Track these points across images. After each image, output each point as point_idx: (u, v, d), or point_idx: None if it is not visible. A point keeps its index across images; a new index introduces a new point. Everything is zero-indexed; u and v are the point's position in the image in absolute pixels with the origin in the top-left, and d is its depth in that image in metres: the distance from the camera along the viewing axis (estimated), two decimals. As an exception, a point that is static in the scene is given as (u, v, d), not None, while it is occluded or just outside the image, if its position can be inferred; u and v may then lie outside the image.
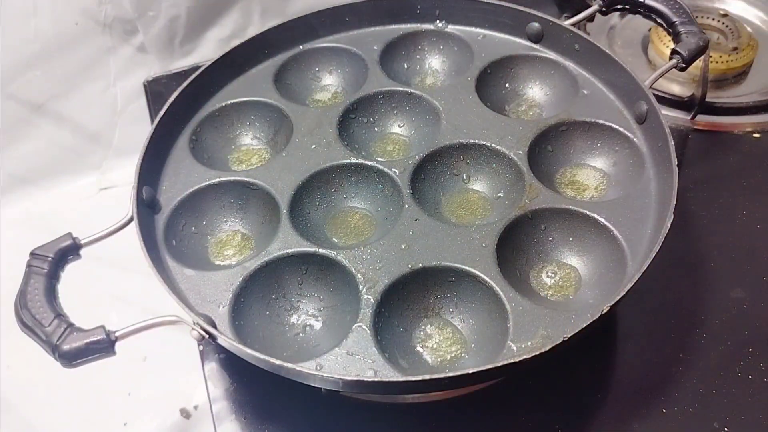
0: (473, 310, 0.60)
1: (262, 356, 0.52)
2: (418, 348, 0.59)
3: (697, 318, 0.68)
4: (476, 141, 0.70)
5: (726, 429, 0.60)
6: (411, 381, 0.51)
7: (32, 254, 0.57)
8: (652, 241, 0.59)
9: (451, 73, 0.82)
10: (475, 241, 0.62)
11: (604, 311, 0.53)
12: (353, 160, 0.69)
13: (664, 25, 0.73)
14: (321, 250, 0.62)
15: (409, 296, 0.60)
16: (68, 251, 0.59)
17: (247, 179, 0.68)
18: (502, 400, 0.64)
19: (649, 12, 0.74)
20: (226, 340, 0.54)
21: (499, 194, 0.69)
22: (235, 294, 0.60)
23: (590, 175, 0.70)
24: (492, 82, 0.78)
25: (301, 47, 0.82)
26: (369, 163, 0.69)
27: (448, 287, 0.61)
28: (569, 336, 0.51)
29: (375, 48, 0.81)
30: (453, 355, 0.58)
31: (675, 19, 0.72)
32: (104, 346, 0.52)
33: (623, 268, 0.60)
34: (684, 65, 0.70)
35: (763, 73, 0.92)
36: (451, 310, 0.61)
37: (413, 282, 0.60)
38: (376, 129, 0.76)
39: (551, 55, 0.78)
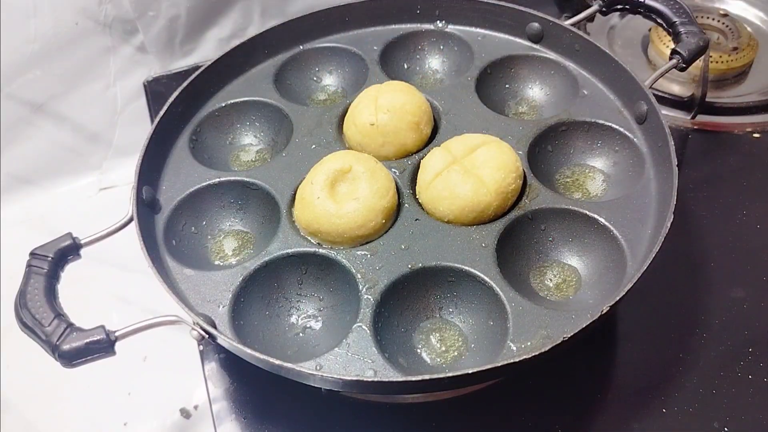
0: (473, 310, 0.60)
1: (261, 356, 0.52)
2: (418, 348, 0.59)
3: (697, 318, 0.68)
4: (476, 141, 0.70)
5: (726, 429, 0.60)
6: (411, 381, 0.51)
7: (32, 254, 0.57)
8: (652, 241, 0.59)
9: (451, 73, 0.81)
10: (475, 241, 0.62)
11: (604, 311, 0.53)
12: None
13: (664, 25, 0.73)
14: (321, 250, 0.62)
15: (409, 296, 0.60)
16: (68, 251, 0.59)
17: (247, 179, 0.68)
18: (502, 400, 0.64)
19: (649, 12, 0.74)
20: (226, 340, 0.54)
21: (499, 194, 0.69)
22: (235, 294, 0.60)
23: (590, 175, 0.70)
24: (492, 82, 0.78)
25: (301, 47, 0.82)
26: (369, 163, 0.69)
27: (448, 287, 0.61)
28: (569, 336, 0.52)
29: (375, 48, 0.81)
30: (453, 355, 0.58)
31: (675, 19, 0.72)
32: (104, 346, 0.52)
33: (623, 268, 0.60)
34: (684, 65, 0.70)
35: (763, 73, 0.92)
36: (450, 310, 0.61)
37: (413, 282, 0.60)
38: (376, 129, 0.76)
39: (551, 55, 0.78)
